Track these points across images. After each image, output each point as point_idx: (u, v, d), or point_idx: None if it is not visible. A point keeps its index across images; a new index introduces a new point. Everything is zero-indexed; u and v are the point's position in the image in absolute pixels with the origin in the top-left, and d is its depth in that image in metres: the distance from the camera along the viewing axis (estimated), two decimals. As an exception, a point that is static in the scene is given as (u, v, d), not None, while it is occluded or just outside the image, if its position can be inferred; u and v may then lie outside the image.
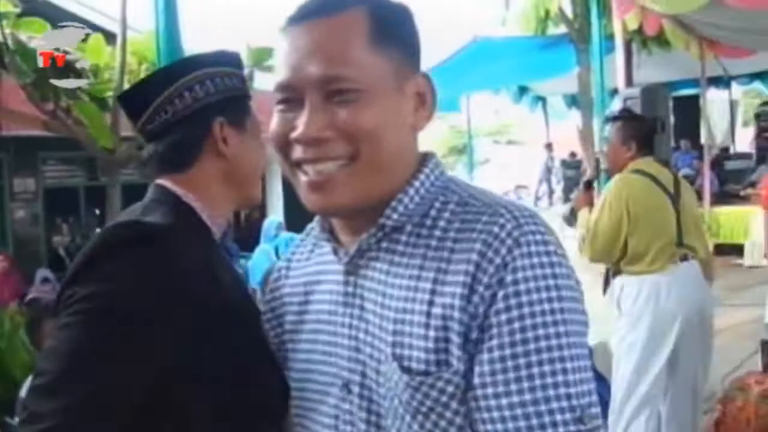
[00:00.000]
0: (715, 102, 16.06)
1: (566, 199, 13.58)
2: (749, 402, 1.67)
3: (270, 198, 13.80)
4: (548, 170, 20.12)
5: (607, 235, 3.60)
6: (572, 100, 15.79)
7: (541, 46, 12.46)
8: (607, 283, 3.85)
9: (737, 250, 10.28)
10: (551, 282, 0.95)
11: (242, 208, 1.52)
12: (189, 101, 1.39)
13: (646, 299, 3.61)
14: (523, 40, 12.58)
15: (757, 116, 15.06)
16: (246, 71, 6.77)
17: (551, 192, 19.56)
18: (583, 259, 6.10)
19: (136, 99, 1.42)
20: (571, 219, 6.71)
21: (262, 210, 13.51)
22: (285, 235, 8.10)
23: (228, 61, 1.47)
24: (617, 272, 3.73)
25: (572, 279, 0.99)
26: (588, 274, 5.74)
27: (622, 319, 3.69)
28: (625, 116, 3.81)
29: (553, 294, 0.95)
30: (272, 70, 7.01)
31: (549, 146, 19.97)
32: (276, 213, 12.23)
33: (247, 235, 11.52)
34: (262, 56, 6.47)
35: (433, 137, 30.96)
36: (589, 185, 3.87)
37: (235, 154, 1.43)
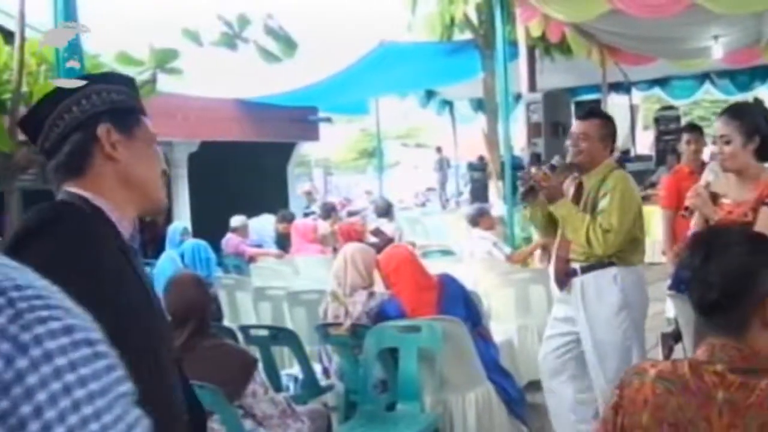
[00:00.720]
0: (616, 107, 16.66)
1: (473, 201, 13.82)
2: (645, 384, 1.75)
3: (176, 203, 13.54)
4: (443, 173, 20.73)
5: (627, 226, 3.80)
6: (478, 104, 16.09)
7: (448, 51, 12.65)
8: (564, 279, 3.96)
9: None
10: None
11: (148, 214, 1.63)
12: (77, 113, 1.51)
13: (642, 287, 3.93)
14: (430, 46, 12.74)
15: (656, 120, 15.82)
16: (149, 73, 6.62)
17: (459, 194, 19.90)
18: (498, 261, 6.28)
19: (33, 121, 1.55)
20: (476, 219, 6.87)
21: (168, 216, 13.24)
22: (191, 241, 7.95)
23: (117, 80, 1.62)
24: (603, 265, 3.86)
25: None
26: (492, 273, 5.90)
27: (603, 309, 3.86)
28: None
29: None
30: (176, 72, 6.88)
31: (439, 149, 21.11)
32: (182, 219, 11.99)
33: (150, 240, 11.26)
34: (165, 58, 6.33)
35: (343, 140, 31.04)
36: (552, 168, 3.94)
37: (126, 158, 1.53)
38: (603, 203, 3.84)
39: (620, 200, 3.80)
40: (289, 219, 10.14)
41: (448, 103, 17.53)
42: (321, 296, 4.77)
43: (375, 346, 4.10)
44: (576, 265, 3.92)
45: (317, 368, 4.63)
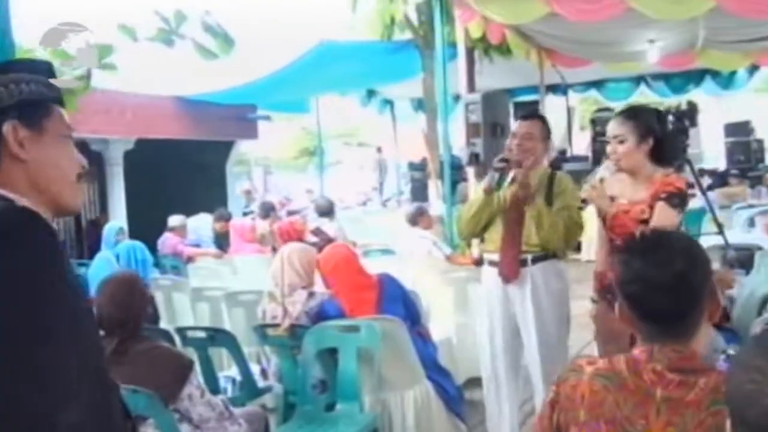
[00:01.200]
0: (553, 108, 16.91)
1: (413, 200, 13.88)
2: (582, 381, 1.76)
3: (112, 203, 13.27)
4: (382, 173, 20.86)
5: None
6: (418, 104, 16.15)
7: (388, 50, 12.67)
8: (513, 271, 4.06)
9: (576, 246, 10.88)
10: None
11: (58, 215, 1.50)
12: None
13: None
14: (370, 45, 12.74)
15: (593, 122, 16.13)
16: (83, 69, 6.49)
17: (400, 193, 19.94)
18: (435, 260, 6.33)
19: None
20: (415, 219, 6.91)
21: (104, 215, 12.98)
22: (126, 242, 7.80)
23: (31, 68, 1.48)
24: (548, 257, 4.05)
25: None
26: (431, 272, 5.94)
27: (549, 299, 4.04)
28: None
29: None
30: (111, 67, 6.75)
31: (379, 150, 21.15)
32: (117, 218, 11.75)
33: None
34: (100, 54, 6.20)
35: (283, 139, 30.83)
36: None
37: (34, 157, 1.42)
38: (565, 200, 3.99)
39: (573, 198, 4.03)
40: (226, 218, 10.04)
41: (388, 102, 17.56)
42: (259, 297, 4.73)
43: (314, 347, 4.09)
44: (527, 256, 4.04)
45: (255, 369, 4.59)
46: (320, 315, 4.23)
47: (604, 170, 3.74)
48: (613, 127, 3.58)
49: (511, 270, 4.07)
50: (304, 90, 14.74)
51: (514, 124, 4.31)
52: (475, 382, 4.85)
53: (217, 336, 4.48)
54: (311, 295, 4.33)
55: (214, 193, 14.90)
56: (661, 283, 1.66)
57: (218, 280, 6.91)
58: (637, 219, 3.47)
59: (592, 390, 1.72)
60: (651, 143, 3.51)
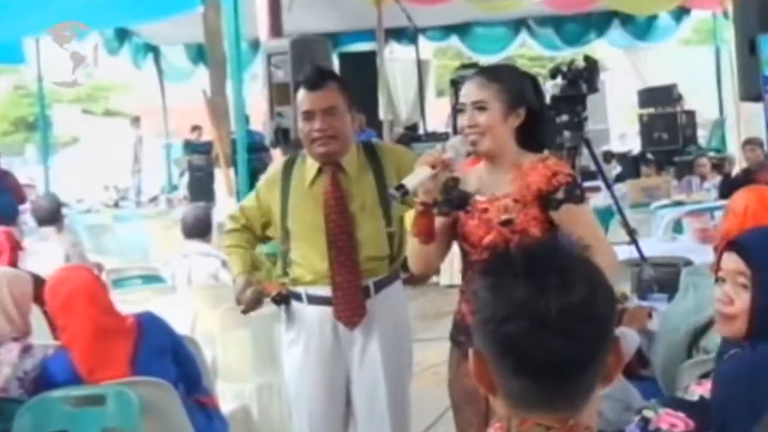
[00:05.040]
0: (396, 62, 17.25)
1: (193, 199, 13.72)
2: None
3: None
4: (141, 156, 20.90)
5: None
6: (198, 54, 16.07)
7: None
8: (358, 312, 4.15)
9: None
10: None
11: None
12: None
13: None
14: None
15: (454, 83, 16.26)
16: None
17: (172, 188, 19.70)
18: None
19: None
20: (196, 227, 6.81)
21: None
22: None
23: None
24: (393, 277, 4.26)
25: None
26: (219, 308, 5.88)
27: (397, 335, 4.24)
28: None
29: None
30: None
31: (137, 120, 21.15)
32: None
33: None
34: None
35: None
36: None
37: None
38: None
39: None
40: None
41: (151, 50, 17.36)
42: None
43: (33, 431, 3.98)
44: (368, 282, 4.13)
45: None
46: (42, 380, 4.13)
47: (451, 150, 3.66)
48: (470, 90, 3.62)
49: (352, 316, 4.16)
50: (19, 27, 14.25)
51: (298, 97, 4.24)
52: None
53: None
54: (27, 349, 4.21)
55: None
56: (553, 319, 1.66)
57: None
58: (496, 220, 3.53)
59: None
60: (522, 116, 3.60)
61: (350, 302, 4.11)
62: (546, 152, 3.77)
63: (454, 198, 3.66)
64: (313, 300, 4.17)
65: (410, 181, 3.49)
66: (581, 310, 1.67)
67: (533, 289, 1.67)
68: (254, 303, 4.20)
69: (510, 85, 3.59)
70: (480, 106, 3.54)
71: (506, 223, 3.50)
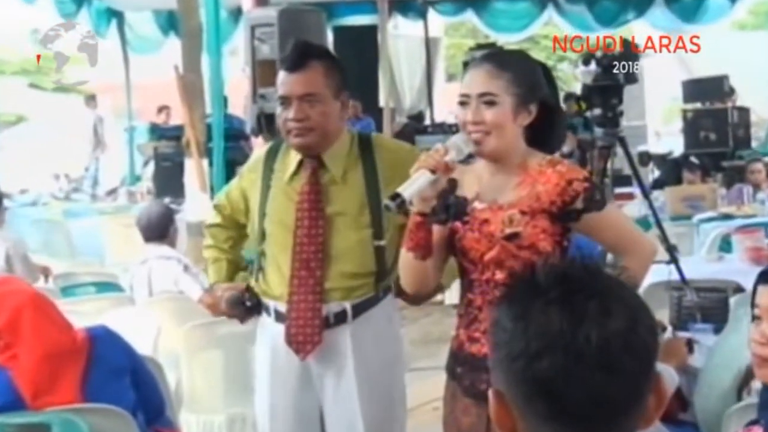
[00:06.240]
0: (402, 40, 17.23)
1: (159, 194, 13.71)
2: None
3: None
4: (99, 141, 20.83)
5: None
6: (168, 22, 16.08)
7: None
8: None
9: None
10: None
11: None
12: None
13: None
14: None
15: (467, 66, 16.47)
16: None
17: (135, 179, 19.68)
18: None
19: None
20: (159, 227, 6.80)
21: None
22: None
23: None
24: (379, 297, 4.26)
25: None
26: (185, 323, 5.87)
27: (382, 367, 4.24)
28: None
29: None
30: None
31: (92, 99, 21.35)
32: None
33: None
34: None
35: None
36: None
37: None
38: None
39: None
40: None
41: (114, 15, 17.35)
42: None
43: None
44: (345, 305, 4.11)
45: None
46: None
47: (453, 149, 3.59)
48: (476, 80, 3.56)
49: (304, 342, 4.15)
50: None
51: (278, 79, 4.22)
52: None
53: None
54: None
55: None
56: (593, 352, 1.64)
57: None
58: (499, 234, 3.49)
59: None
60: (533, 113, 3.55)
61: (303, 326, 4.08)
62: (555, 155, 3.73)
63: (451, 204, 3.61)
64: (281, 317, 4.17)
65: (408, 189, 3.42)
66: (623, 340, 1.65)
67: (569, 318, 1.65)
68: (233, 304, 4.20)
69: (523, 76, 3.54)
70: (488, 100, 3.49)
71: (511, 237, 3.48)
